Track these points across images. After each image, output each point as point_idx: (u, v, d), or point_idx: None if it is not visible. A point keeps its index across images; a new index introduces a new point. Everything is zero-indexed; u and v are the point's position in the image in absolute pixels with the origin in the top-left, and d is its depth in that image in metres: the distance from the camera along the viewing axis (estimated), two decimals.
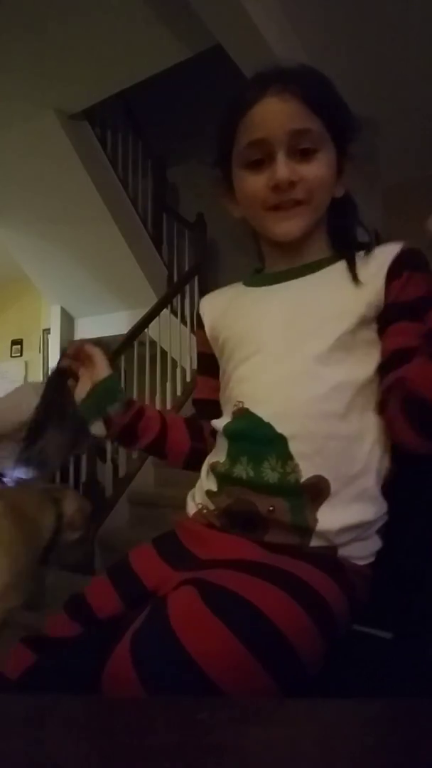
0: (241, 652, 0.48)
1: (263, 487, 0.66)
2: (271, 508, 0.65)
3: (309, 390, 0.66)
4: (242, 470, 0.68)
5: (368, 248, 0.72)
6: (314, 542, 0.64)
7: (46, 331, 5.81)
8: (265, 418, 0.67)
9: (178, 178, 4.83)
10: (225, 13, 2.27)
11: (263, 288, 0.78)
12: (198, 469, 0.80)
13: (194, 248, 4.31)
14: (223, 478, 0.71)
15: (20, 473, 1.98)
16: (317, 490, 0.64)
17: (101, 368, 0.82)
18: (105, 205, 3.82)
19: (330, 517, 0.63)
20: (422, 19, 2.51)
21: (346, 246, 0.75)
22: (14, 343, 6.42)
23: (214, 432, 0.79)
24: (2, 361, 6.44)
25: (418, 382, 0.60)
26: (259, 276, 0.81)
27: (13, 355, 6.42)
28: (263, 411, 0.68)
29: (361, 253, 0.72)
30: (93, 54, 3.10)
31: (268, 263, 0.80)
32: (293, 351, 0.69)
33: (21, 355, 6.36)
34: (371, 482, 0.66)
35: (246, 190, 0.71)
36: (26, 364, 6.26)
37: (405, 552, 0.71)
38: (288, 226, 0.70)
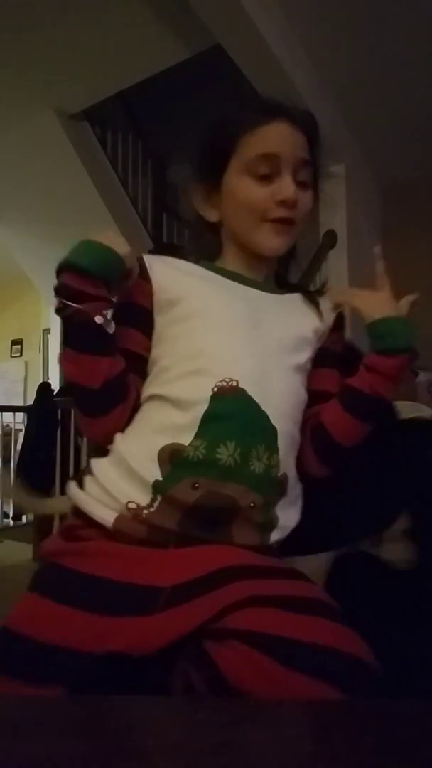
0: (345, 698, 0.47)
1: (247, 478, 0.62)
2: (252, 504, 0.63)
3: (293, 394, 0.72)
4: (228, 456, 0.62)
5: (316, 291, 0.81)
6: (273, 539, 0.66)
7: (46, 331, 5.81)
8: (262, 406, 0.65)
9: (178, 178, 4.84)
10: (225, 13, 2.27)
11: (233, 282, 0.76)
12: (100, 411, 0.67)
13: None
14: (192, 464, 0.61)
15: None
16: (282, 488, 0.67)
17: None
18: (105, 205, 3.82)
19: (286, 515, 0.68)
20: (423, 19, 2.51)
21: (283, 281, 0.83)
22: (14, 343, 6.43)
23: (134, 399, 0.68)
24: (2, 361, 6.44)
25: (329, 423, 0.74)
26: (225, 270, 0.77)
27: (13, 355, 6.42)
28: (261, 398, 0.65)
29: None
30: (93, 54, 3.10)
31: (228, 262, 0.78)
32: (281, 354, 0.72)
33: (21, 355, 6.36)
34: (299, 489, 0.72)
35: (248, 198, 0.72)
36: (26, 364, 6.27)
37: None
38: (279, 242, 0.73)
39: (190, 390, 0.65)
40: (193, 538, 0.61)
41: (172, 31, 2.86)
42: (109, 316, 0.67)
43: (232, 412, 0.64)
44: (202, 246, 0.82)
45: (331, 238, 3.05)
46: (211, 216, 0.78)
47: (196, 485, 0.61)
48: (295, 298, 0.80)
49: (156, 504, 0.61)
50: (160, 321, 0.72)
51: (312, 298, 0.80)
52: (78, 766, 0.30)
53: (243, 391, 0.65)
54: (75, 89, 3.43)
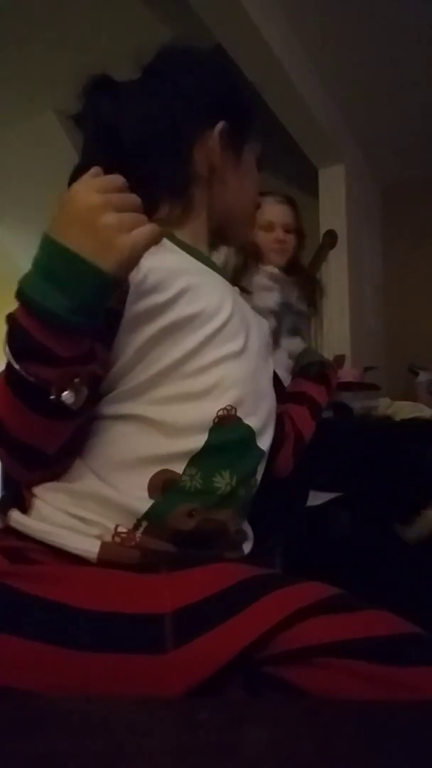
0: None
1: (236, 503, 0.60)
2: (238, 528, 0.62)
3: (273, 408, 0.69)
4: (225, 484, 0.58)
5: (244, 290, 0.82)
6: (245, 551, 0.65)
7: None
8: (255, 431, 0.63)
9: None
10: (225, 13, 2.27)
11: (212, 271, 0.68)
12: (44, 469, 0.55)
13: None
14: (189, 493, 0.56)
15: None
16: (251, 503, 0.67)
17: None
18: None
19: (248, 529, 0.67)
20: (423, 19, 2.51)
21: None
22: None
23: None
24: (2, 361, 6.43)
25: (306, 432, 0.83)
26: (188, 246, 0.67)
27: None
28: (254, 423, 0.62)
29: None
30: (93, 54, 3.10)
31: (189, 233, 0.68)
32: (265, 365, 0.69)
33: None
34: None
35: (253, 192, 0.74)
36: None
37: None
38: (248, 239, 0.76)
39: (190, 417, 0.57)
40: (187, 558, 0.55)
41: (173, 31, 2.86)
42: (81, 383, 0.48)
43: (228, 443, 0.59)
44: (174, 191, 0.68)
45: (331, 238, 3.05)
46: (202, 169, 0.68)
47: (193, 513, 0.56)
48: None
49: (142, 527, 0.54)
50: (138, 327, 0.57)
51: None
52: (78, 766, 0.30)
53: (239, 420, 0.60)
54: (75, 89, 3.42)
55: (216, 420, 0.58)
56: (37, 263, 0.45)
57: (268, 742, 0.31)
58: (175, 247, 0.64)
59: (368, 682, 0.43)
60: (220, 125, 0.68)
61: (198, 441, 0.57)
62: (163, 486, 0.56)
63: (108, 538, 0.53)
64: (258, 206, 0.73)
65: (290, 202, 1.73)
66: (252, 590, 0.51)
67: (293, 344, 1.52)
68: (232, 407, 0.59)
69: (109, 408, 0.58)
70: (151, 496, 0.55)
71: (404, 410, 1.55)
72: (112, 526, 0.53)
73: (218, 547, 0.60)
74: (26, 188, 4.00)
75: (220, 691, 0.45)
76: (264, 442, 0.65)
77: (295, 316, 1.61)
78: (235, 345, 0.62)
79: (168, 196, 0.68)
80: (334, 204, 3.16)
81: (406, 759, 0.30)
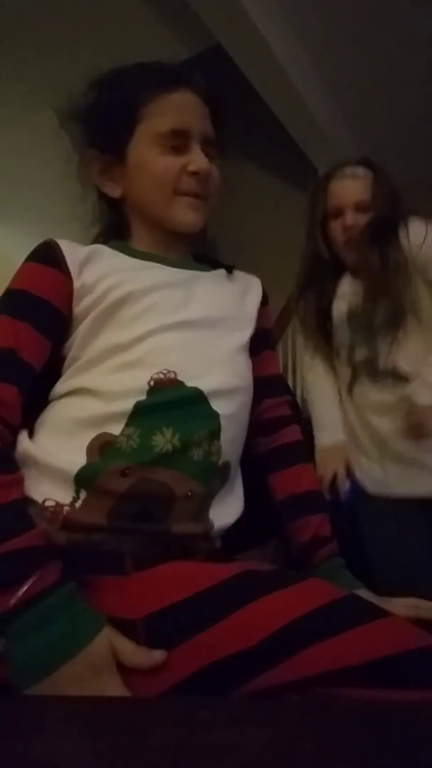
0: None
1: (185, 465, 0.58)
2: (189, 493, 0.58)
3: (237, 377, 0.68)
4: (165, 442, 0.57)
5: (229, 268, 0.78)
6: (215, 527, 0.61)
7: None
8: (204, 392, 0.62)
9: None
10: (225, 13, 2.27)
11: (157, 264, 0.71)
12: None
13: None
14: (124, 453, 0.56)
15: None
16: (224, 477, 0.64)
17: None
18: None
19: (227, 504, 0.64)
20: (422, 19, 2.51)
21: (202, 258, 0.79)
22: None
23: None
24: None
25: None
26: (142, 252, 0.72)
27: None
28: (203, 384, 0.62)
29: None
30: (93, 54, 3.10)
31: (141, 242, 0.74)
32: (220, 336, 0.68)
33: None
34: (240, 478, 0.69)
35: (159, 170, 0.68)
36: None
37: None
38: (195, 218, 0.71)
39: (124, 382, 0.60)
40: (153, 558, 0.54)
41: (173, 31, 2.86)
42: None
43: (167, 402, 0.59)
44: (106, 225, 0.77)
45: None
46: (114, 191, 0.73)
47: (126, 472, 0.55)
48: (221, 275, 0.77)
49: (80, 501, 0.54)
50: (81, 318, 0.65)
51: (238, 273, 0.79)
52: (78, 766, 0.30)
53: (181, 383, 0.61)
54: (75, 89, 3.42)
55: (151, 383, 0.60)
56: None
57: (268, 742, 0.31)
58: (113, 252, 0.71)
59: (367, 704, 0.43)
60: (87, 155, 0.73)
61: (132, 401, 0.59)
62: (100, 449, 0.57)
63: (37, 517, 0.53)
64: (191, 172, 0.68)
65: (366, 165, 1.35)
66: (237, 593, 0.50)
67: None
68: (171, 371, 0.61)
69: (59, 387, 0.64)
70: (88, 460, 0.56)
71: None
72: (42, 499, 0.54)
73: (167, 518, 0.57)
74: (26, 188, 4.00)
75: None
76: (222, 406, 0.63)
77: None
78: (172, 318, 0.65)
79: (98, 219, 0.78)
80: None
81: (407, 759, 0.30)
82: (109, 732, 0.34)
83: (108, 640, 0.46)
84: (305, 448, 0.79)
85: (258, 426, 0.74)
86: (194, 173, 0.68)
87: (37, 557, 0.49)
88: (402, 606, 0.55)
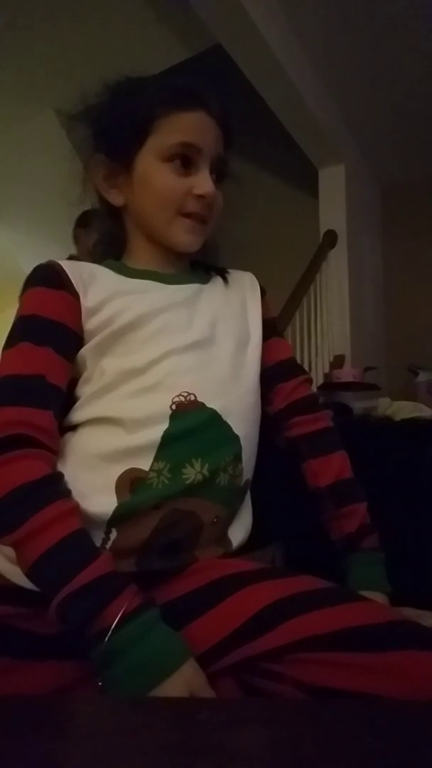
0: None
1: (211, 492, 0.59)
2: (215, 519, 0.59)
3: (250, 394, 0.68)
4: (195, 474, 0.58)
5: (223, 275, 0.78)
6: (234, 545, 0.63)
7: None
8: (223, 416, 0.62)
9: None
10: (225, 13, 2.27)
11: (157, 284, 0.71)
12: None
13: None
14: (156, 489, 0.57)
15: None
16: (244, 493, 0.66)
17: None
18: None
19: (243, 519, 0.66)
20: (423, 19, 2.51)
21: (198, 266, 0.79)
22: None
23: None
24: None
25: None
26: (139, 271, 0.72)
27: None
28: (220, 407, 0.62)
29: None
30: (93, 54, 3.10)
31: (141, 259, 0.73)
32: (229, 353, 0.68)
33: None
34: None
35: (165, 187, 0.68)
36: None
37: None
38: (193, 240, 0.70)
39: (146, 408, 0.59)
40: (154, 574, 0.56)
41: (172, 31, 2.86)
42: None
43: (193, 428, 0.59)
44: (105, 232, 0.77)
45: (331, 238, 3.05)
46: (116, 199, 0.72)
47: (158, 505, 0.56)
48: (219, 284, 0.77)
49: (110, 542, 0.55)
50: (88, 339, 0.65)
51: (233, 275, 0.79)
52: (78, 766, 0.30)
53: (202, 405, 0.61)
54: (75, 89, 3.42)
55: (173, 407, 0.60)
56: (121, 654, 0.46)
57: (268, 742, 0.31)
58: (111, 272, 0.71)
59: (348, 671, 0.45)
60: (93, 159, 0.73)
61: (158, 431, 0.58)
62: (131, 486, 0.57)
63: None
64: (197, 196, 0.67)
65: None
66: (222, 588, 0.53)
67: None
68: (190, 393, 0.61)
69: (76, 415, 0.63)
70: (118, 499, 0.56)
71: (404, 410, 1.54)
72: None
73: (194, 550, 0.58)
74: (26, 188, 4.00)
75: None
76: (239, 426, 0.63)
77: None
78: (183, 339, 0.65)
79: (97, 228, 0.80)
80: (334, 204, 3.17)
81: (407, 759, 0.30)
82: (109, 732, 0.34)
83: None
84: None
85: (290, 407, 0.74)
86: (200, 196, 0.67)
87: (116, 583, 0.49)
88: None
